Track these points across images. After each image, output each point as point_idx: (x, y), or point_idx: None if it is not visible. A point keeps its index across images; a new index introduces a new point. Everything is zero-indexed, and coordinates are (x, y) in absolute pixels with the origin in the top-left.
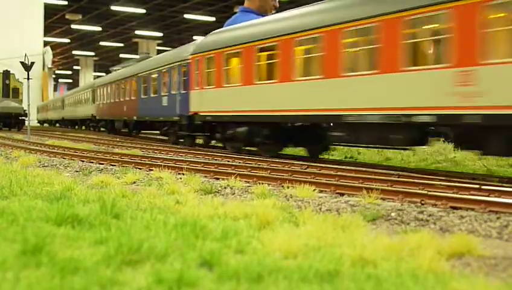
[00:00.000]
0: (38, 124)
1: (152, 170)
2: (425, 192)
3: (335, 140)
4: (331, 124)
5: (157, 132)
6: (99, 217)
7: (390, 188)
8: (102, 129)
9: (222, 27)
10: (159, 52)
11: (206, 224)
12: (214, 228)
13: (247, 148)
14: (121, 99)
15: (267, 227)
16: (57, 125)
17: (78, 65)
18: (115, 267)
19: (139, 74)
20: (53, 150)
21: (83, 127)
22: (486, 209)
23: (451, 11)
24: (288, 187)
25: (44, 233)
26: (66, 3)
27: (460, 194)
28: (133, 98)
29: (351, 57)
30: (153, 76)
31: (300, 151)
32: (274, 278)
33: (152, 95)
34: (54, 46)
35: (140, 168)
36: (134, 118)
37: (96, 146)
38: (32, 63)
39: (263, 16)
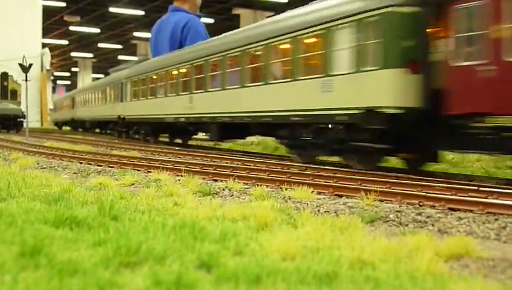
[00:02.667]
0: (55, 127)
1: (150, 171)
2: (424, 194)
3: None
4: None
5: None
6: (98, 219)
7: (388, 189)
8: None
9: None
10: None
11: (205, 226)
12: (213, 229)
13: None
14: None
15: (266, 229)
16: (82, 130)
17: (76, 67)
18: (113, 269)
19: None
20: (51, 152)
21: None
22: (484, 211)
23: None
24: (286, 189)
25: (43, 235)
26: (64, 5)
27: (458, 195)
28: None
29: None
30: None
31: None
32: (272, 279)
33: None
34: (52, 48)
35: (138, 170)
36: None
37: (95, 148)
38: (31, 64)
39: (193, 13)
